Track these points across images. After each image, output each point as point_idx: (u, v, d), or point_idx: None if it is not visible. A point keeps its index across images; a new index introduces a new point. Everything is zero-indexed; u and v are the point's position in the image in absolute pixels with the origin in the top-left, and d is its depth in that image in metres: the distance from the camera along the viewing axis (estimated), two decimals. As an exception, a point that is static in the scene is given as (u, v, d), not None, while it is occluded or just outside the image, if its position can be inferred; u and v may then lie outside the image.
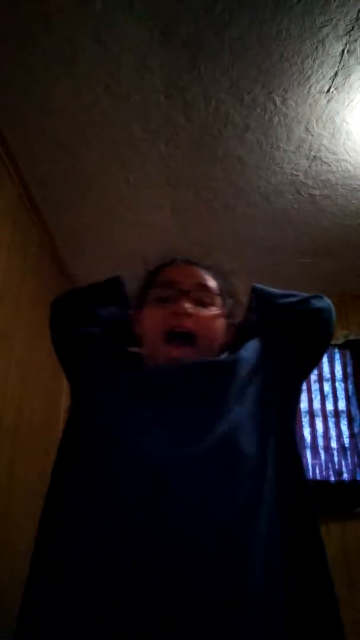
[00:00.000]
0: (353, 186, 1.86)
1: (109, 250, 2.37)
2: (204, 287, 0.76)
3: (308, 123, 1.53)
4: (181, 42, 1.25)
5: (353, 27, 1.21)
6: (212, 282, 0.78)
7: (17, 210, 1.84)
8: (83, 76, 1.36)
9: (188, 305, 0.72)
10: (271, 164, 1.73)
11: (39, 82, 1.38)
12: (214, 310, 0.75)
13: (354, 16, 1.18)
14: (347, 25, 1.20)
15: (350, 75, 1.34)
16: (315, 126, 1.55)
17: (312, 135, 1.59)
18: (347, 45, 1.26)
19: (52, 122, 1.53)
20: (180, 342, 0.70)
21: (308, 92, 1.41)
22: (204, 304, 0.75)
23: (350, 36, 1.23)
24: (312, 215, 2.06)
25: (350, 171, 1.77)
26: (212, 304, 0.76)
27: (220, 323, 0.76)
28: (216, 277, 0.81)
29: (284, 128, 1.56)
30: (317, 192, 1.90)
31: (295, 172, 1.78)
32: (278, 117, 1.51)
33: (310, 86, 1.39)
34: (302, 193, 1.91)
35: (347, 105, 1.45)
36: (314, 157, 1.69)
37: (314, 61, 1.30)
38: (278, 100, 1.44)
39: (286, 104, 1.45)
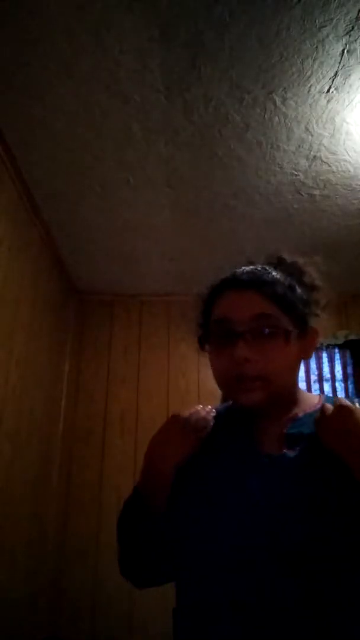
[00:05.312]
0: (353, 186, 1.86)
1: (109, 250, 2.37)
2: (262, 316, 0.68)
3: (308, 123, 1.53)
4: (181, 42, 1.25)
5: (353, 27, 1.21)
6: (270, 307, 0.69)
7: (17, 210, 1.84)
8: (83, 76, 1.36)
9: (244, 352, 0.66)
10: (271, 164, 1.73)
11: (39, 82, 1.38)
12: (278, 342, 0.68)
13: (354, 16, 1.18)
14: (347, 25, 1.20)
15: (350, 75, 1.34)
16: (315, 126, 1.55)
17: (312, 135, 1.59)
18: (347, 45, 1.26)
19: (52, 121, 1.53)
20: (249, 386, 0.67)
21: (308, 92, 1.41)
22: (265, 336, 0.68)
23: (350, 36, 1.23)
24: (312, 215, 2.06)
25: (350, 171, 1.77)
26: (276, 331, 0.68)
27: (288, 352, 0.69)
28: (277, 292, 0.69)
29: (284, 128, 1.56)
30: (317, 192, 1.90)
31: (295, 172, 1.78)
32: (278, 117, 1.51)
33: (310, 86, 1.39)
34: (302, 193, 1.91)
35: (347, 105, 1.45)
36: (314, 157, 1.69)
37: (314, 61, 1.30)
38: (278, 100, 1.44)
39: (286, 104, 1.45)
